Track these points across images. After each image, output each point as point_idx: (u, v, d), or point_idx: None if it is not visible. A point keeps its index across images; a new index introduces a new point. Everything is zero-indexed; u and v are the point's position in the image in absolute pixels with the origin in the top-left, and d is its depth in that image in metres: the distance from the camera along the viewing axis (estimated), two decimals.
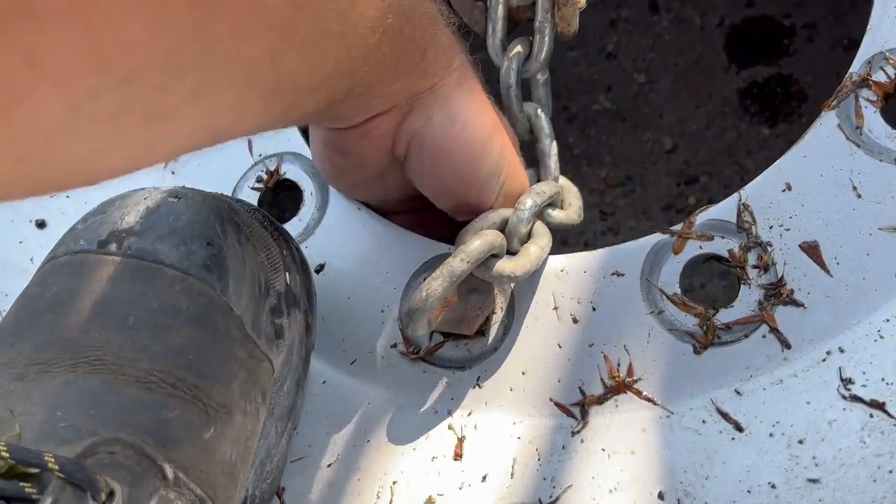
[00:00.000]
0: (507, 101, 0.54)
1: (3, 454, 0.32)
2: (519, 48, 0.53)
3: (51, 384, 0.38)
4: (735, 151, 0.98)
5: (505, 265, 0.47)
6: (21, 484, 0.33)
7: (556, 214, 0.52)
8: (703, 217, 0.50)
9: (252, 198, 0.58)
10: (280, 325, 0.45)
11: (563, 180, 0.55)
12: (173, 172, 0.61)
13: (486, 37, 0.54)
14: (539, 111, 0.54)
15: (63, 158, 0.27)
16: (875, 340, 0.44)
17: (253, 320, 0.43)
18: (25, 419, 0.37)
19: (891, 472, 0.40)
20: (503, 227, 0.49)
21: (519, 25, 0.55)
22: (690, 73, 1.05)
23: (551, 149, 0.54)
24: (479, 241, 0.45)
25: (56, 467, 0.33)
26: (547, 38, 0.53)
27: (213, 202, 0.44)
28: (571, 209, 0.54)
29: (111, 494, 0.35)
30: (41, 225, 0.59)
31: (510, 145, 0.50)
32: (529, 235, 0.50)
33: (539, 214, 0.51)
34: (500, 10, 0.53)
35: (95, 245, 0.42)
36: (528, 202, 0.49)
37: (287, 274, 0.46)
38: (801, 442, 0.43)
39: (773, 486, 0.42)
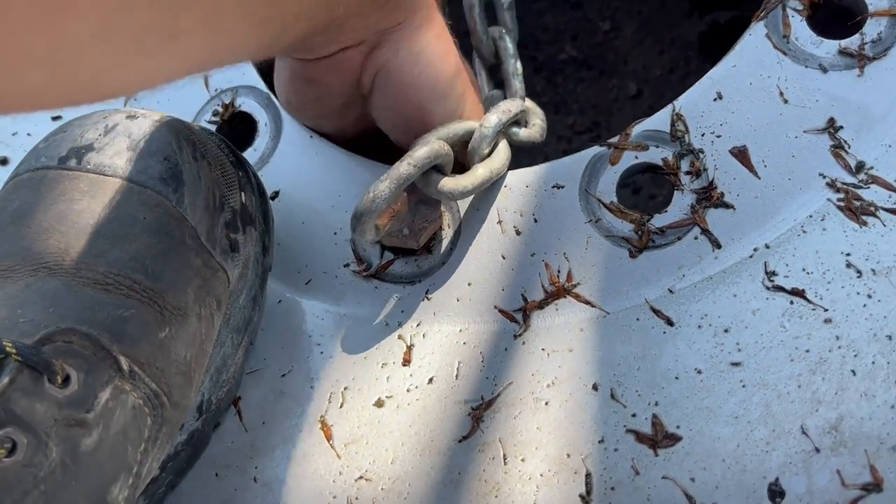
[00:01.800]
0: (471, 22, 0.55)
1: None
2: None
3: (12, 288, 0.40)
4: None
5: (446, 182, 0.49)
6: None
7: (520, 132, 0.53)
8: (638, 128, 0.52)
9: None
10: (235, 240, 0.47)
11: (528, 101, 0.57)
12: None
13: None
14: (504, 33, 0.56)
15: (91, 70, 0.30)
16: (798, 235, 0.46)
17: (207, 231, 0.45)
18: None
19: (807, 351, 0.42)
20: (467, 140, 0.51)
21: None
22: (654, 19, 1.06)
23: (516, 68, 0.56)
24: (426, 147, 0.47)
25: (13, 351, 0.35)
26: None
27: (170, 121, 0.46)
28: (535, 128, 0.55)
29: (66, 379, 0.37)
30: (3, 162, 0.60)
31: (471, 87, 0.52)
32: (491, 153, 0.51)
33: (504, 133, 0.52)
34: None
35: (56, 161, 0.43)
36: (493, 119, 0.50)
37: (243, 194, 0.48)
38: (726, 331, 0.45)
39: (699, 371, 0.44)
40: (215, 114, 0.61)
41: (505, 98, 0.56)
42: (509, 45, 0.55)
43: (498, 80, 0.57)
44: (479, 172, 0.50)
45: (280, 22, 0.37)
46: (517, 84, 0.55)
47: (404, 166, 0.46)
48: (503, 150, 0.52)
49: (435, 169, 0.49)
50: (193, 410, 0.46)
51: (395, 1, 0.46)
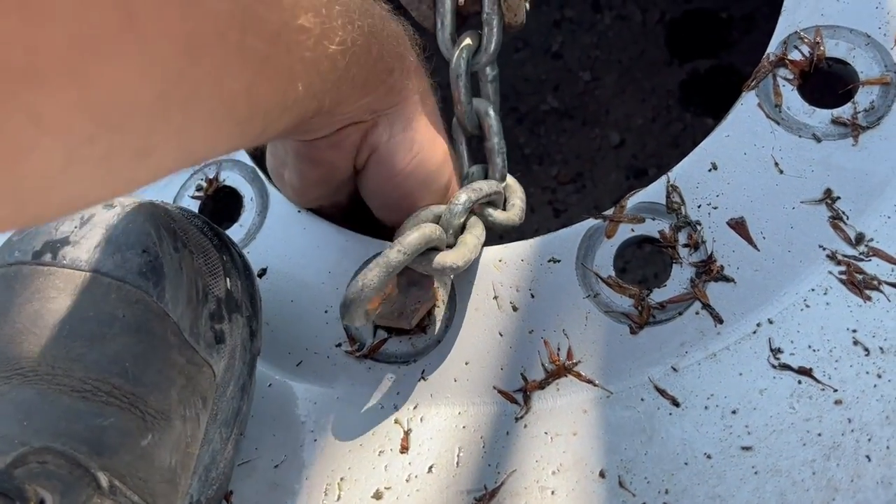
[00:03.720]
0: (457, 92, 0.54)
1: None
2: (468, 40, 0.54)
3: None
4: (681, 143, 1.00)
5: (445, 257, 0.47)
6: None
7: (497, 214, 0.52)
8: (633, 200, 0.51)
9: (193, 206, 0.58)
10: (220, 331, 0.45)
11: (510, 179, 0.56)
12: None
13: (435, 31, 0.55)
14: (489, 109, 0.55)
15: (59, 197, 0.28)
16: (801, 310, 0.45)
17: (191, 326, 0.43)
18: None
19: (819, 435, 0.41)
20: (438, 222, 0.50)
21: (467, 20, 0.56)
22: (634, 68, 1.06)
23: (501, 146, 0.55)
24: (416, 233, 0.46)
25: None
26: (495, 30, 0.53)
27: (149, 209, 0.44)
28: (514, 210, 0.54)
29: (41, 503, 0.34)
30: None
31: (454, 176, 0.52)
32: (464, 229, 0.50)
33: (478, 213, 0.51)
34: (448, 4, 0.54)
35: (30, 256, 0.41)
36: (463, 197, 0.49)
37: (228, 279, 0.46)
38: (734, 412, 0.43)
39: (709, 457, 0.43)
40: (199, 188, 0.59)
41: (486, 176, 0.55)
42: (494, 123, 0.54)
43: (476, 151, 0.56)
44: (469, 240, 0.49)
45: (262, 118, 0.36)
46: (499, 162, 0.54)
47: (394, 254, 0.45)
48: (476, 220, 0.51)
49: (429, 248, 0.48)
50: None
51: (388, 84, 0.45)
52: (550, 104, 1.08)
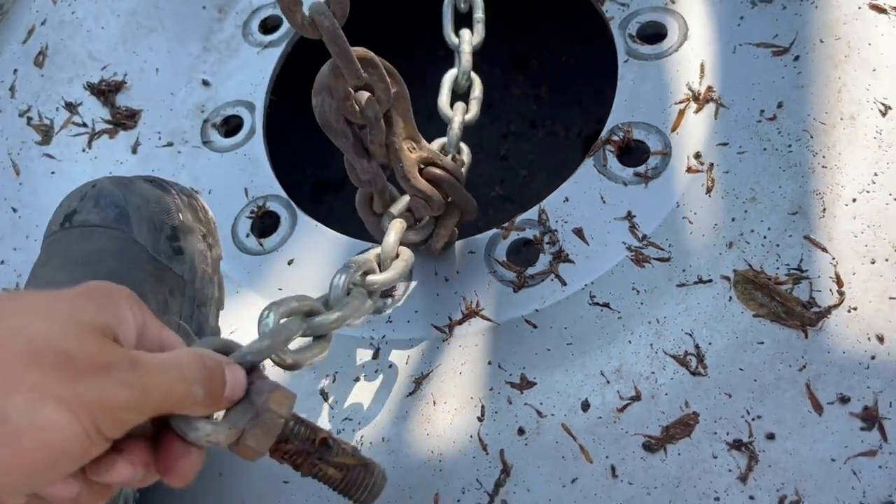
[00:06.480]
0: None
1: None
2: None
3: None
4: None
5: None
6: None
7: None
8: (519, 218, 0.85)
9: (248, 223, 0.92)
10: (178, 247, 0.74)
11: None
12: None
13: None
14: None
15: None
16: (610, 275, 0.78)
17: (153, 246, 0.71)
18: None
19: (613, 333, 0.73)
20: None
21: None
22: (559, 167, 1.44)
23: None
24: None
25: None
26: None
27: (118, 181, 0.73)
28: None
29: None
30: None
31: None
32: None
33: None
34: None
35: (59, 226, 0.73)
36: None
37: (180, 214, 0.75)
38: (565, 328, 0.75)
39: (549, 351, 0.74)
40: (251, 212, 0.93)
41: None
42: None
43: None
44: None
45: None
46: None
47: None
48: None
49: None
50: None
51: None
52: (497, 192, 1.44)
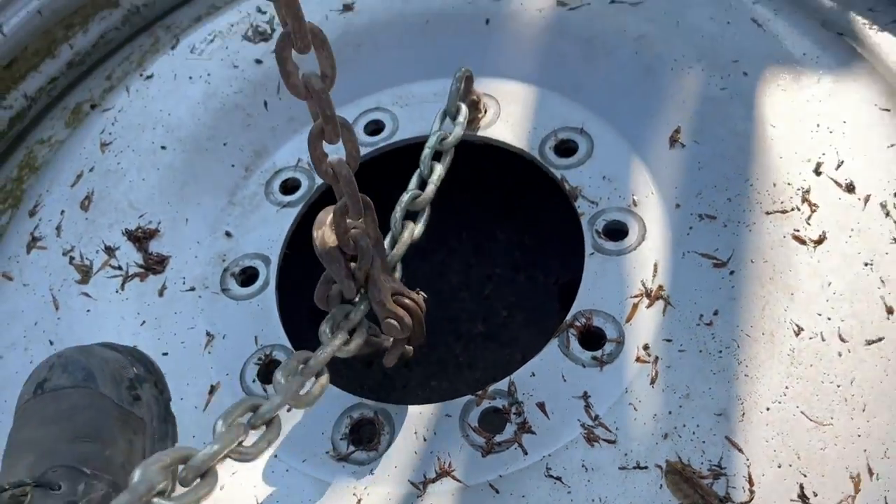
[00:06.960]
0: None
1: None
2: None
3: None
4: None
5: None
6: None
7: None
8: (491, 388, 0.98)
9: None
10: (136, 395, 0.87)
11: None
12: None
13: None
14: None
15: None
16: (566, 449, 0.91)
17: (117, 395, 0.85)
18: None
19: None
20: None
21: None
22: (536, 310, 1.58)
23: None
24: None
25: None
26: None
27: (79, 348, 0.88)
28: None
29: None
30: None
31: None
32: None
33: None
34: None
35: (31, 394, 0.86)
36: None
37: (134, 368, 0.90)
38: (524, 496, 0.88)
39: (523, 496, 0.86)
40: (259, 359, 1.06)
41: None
42: None
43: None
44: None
45: None
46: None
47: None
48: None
49: None
50: None
51: None
52: (480, 329, 1.58)
